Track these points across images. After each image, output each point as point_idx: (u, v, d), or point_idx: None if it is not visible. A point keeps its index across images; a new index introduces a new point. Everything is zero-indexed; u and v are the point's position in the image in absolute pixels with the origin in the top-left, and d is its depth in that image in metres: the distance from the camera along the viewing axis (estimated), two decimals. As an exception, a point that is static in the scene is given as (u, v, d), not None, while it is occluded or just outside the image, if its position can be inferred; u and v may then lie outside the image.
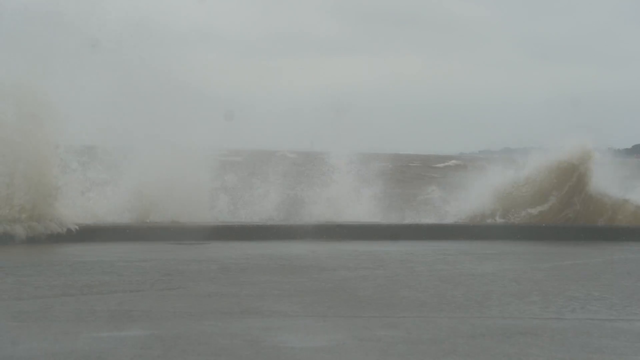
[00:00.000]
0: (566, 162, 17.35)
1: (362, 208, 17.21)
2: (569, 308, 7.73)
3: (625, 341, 6.51)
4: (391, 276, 9.45)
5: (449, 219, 17.24)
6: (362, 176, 17.89)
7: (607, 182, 17.06)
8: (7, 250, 11.31)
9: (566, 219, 16.99)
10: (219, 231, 13.55)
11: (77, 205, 13.54)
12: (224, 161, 18.23)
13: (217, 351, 5.86)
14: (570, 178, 17.28)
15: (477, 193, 17.43)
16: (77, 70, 13.94)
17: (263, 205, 17.21)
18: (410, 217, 17.51)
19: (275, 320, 6.92)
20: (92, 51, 14.29)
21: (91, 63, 14.56)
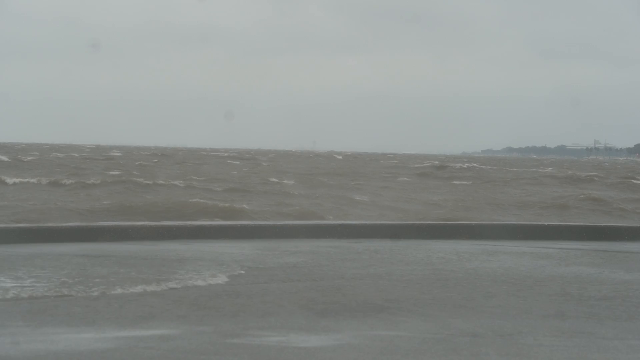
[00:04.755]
0: None
1: None
2: (569, 307, 7.74)
3: (627, 340, 6.52)
4: (391, 276, 9.45)
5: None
6: None
7: None
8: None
9: None
10: (221, 230, 13.56)
11: None
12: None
13: (218, 351, 5.88)
14: None
15: None
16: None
17: None
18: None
19: (275, 320, 6.92)
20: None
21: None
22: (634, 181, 54.84)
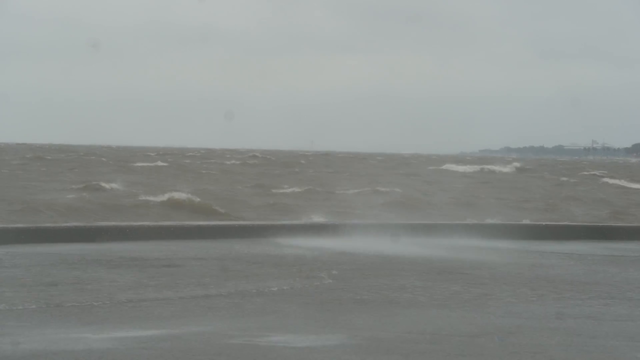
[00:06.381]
0: None
1: None
2: (569, 307, 7.73)
3: (626, 340, 6.51)
4: (390, 275, 9.43)
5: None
6: None
7: None
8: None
9: None
10: (220, 230, 13.55)
11: None
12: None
13: (217, 351, 5.86)
14: None
15: None
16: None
17: None
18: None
19: (274, 320, 6.91)
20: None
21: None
22: None
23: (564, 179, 50.17)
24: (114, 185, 31.08)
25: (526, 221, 16.93)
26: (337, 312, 7.30)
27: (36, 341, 6.04)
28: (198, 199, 24.82)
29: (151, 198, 25.09)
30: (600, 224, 16.81)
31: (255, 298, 7.86)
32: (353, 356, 5.80)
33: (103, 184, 31.11)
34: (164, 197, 24.76)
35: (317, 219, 16.18)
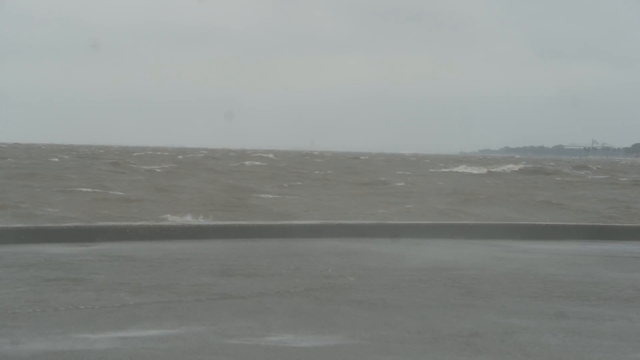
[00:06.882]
0: None
1: None
2: (568, 307, 7.73)
3: (625, 340, 6.51)
4: (389, 275, 9.44)
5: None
6: None
7: None
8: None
9: None
10: (220, 230, 13.55)
11: None
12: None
13: (217, 351, 5.87)
14: None
15: None
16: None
17: None
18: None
19: (274, 320, 6.92)
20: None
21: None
22: None
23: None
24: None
25: (523, 221, 16.93)
26: (337, 312, 7.31)
27: (36, 341, 6.05)
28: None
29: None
30: (598, 224, 16.82)
31: (256, 298, 7.87)
32: (353, 356, 5.80)
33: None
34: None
35: (316, 219, 16.20)
